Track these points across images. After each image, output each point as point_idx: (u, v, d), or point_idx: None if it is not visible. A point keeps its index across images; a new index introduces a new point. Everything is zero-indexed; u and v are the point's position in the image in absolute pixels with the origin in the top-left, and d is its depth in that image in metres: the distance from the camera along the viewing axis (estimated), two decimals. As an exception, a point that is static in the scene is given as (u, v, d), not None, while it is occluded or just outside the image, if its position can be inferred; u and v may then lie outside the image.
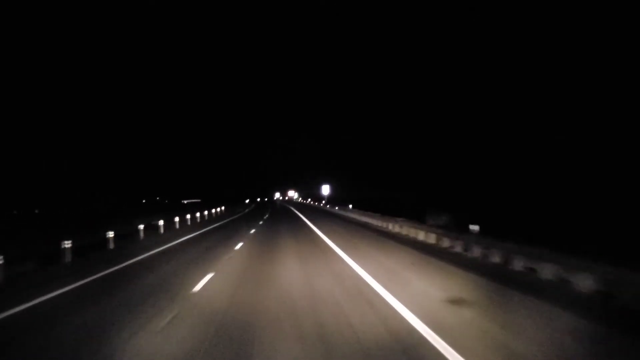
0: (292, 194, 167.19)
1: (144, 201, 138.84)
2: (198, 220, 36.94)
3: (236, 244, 18.09)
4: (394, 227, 21.85)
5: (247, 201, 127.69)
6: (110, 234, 18.85)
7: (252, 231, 24.77)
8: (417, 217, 22.76)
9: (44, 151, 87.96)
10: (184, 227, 29.20)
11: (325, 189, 70.09)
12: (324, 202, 62.68)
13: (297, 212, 50.41)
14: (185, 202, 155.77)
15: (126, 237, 21.78)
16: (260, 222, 32.49)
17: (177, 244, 19.50)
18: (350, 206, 35.08)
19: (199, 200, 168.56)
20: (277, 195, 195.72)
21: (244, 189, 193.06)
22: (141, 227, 22.96)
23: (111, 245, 18.52)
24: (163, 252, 16.63)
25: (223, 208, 55.85)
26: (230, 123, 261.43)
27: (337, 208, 42.37)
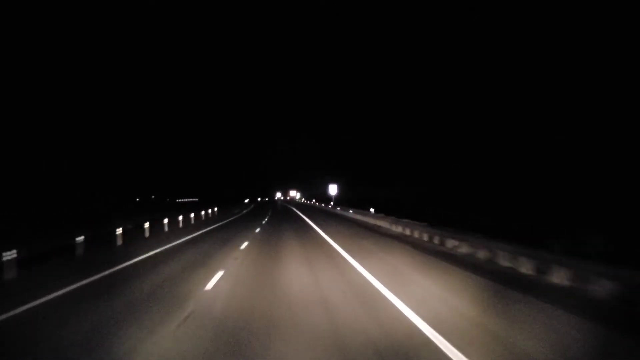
0: (294, 193, 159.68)
1: (137, 199, 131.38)
2: (181, 224, 29.62)
3: (213, 274, 10.81)
4: (459, 247, 14.50)
5: (246, 201, 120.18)
6: (10, 255, 11.59)
7: (244, 246, 17.41)
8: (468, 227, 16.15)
9: (44, 151, 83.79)
10: (157, 236, 21.87)
11: (333, 189, 62.61)
12: (332, 203, 54.89)
13: (302, 215, 42.93)
14: (182, 200, 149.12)
15: (63, 252, 14.68)
16: (257, 230, 25.16)
17: (119, 269, 12.17)
18: (372, 210, 27.64)
19: (196, 200, 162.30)
20: (278, 195, 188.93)
21: (244, 188, 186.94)
22: (79, 239, 15.64)
23: (11, 274, 11.35)
24: (74, 293, 9.27)
25: (216, 209, 48.45)
26: (230, 123, 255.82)
27: (351, 211, 34.94)
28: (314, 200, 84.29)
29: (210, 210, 43.66)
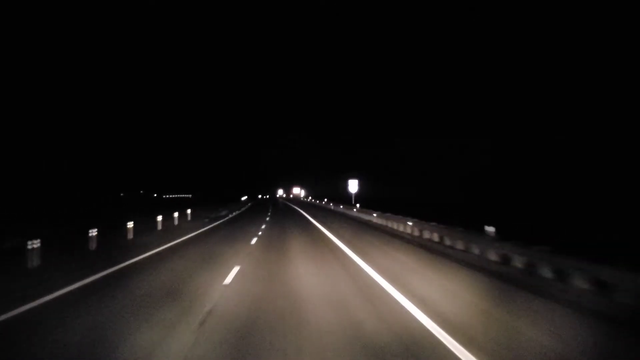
0: (298, 191, 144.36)
1: (121, 194, 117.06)
2: (93, 245, 14.85)
3: None
4: None
5: (244, 198, 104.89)
6: None
7: None
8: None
9: (45, 151, 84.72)
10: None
11: (353, 185, 47.46)
12: (357, 205, 38.93)
13: (322, 227, 27.94)
14: (171, 197, 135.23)
15: None
16: (231, 275, 10.34)
17: None
18: (492, 230, 12.54)
19: (189, 196, 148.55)
20: (280, 192, 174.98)
21: (244, 187, 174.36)
22: None
23: None
24: None
25: (189, 212, 33.32)
26: (229, 122, 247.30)
27: (410, 223, 19.76)
28: (325, 200, 68.28)
29: (177, 214, 28.63)
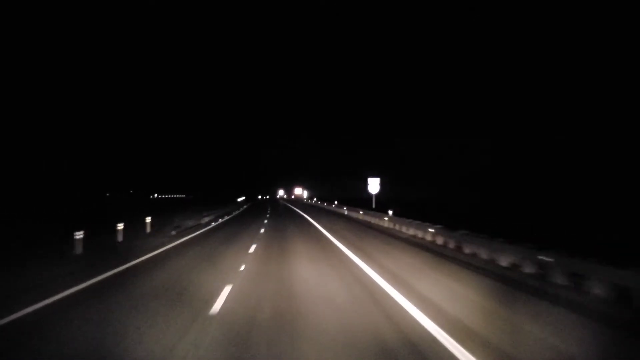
0: (300, 192, 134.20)
1: (107, 194, 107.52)
2: None
3: None
4: None
5: (240, 199, 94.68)
6: None
7: None
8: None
9: (45, 151, 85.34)
10: None
11: (374, 184, 37.54)
12: (390, 212, 27.83)
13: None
14: (161, 197, 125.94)
15: None
16: None
17: None
18: None
19: (183, 196, 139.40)
20: (281, 192, 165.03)
21: (244, 187, 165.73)
22: None
23: None
24: None
25: (148, 220, 23.25)
26: (230, 122, 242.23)
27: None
28: (335, 202, 57.73)
29: (121, 226, 18.67)
